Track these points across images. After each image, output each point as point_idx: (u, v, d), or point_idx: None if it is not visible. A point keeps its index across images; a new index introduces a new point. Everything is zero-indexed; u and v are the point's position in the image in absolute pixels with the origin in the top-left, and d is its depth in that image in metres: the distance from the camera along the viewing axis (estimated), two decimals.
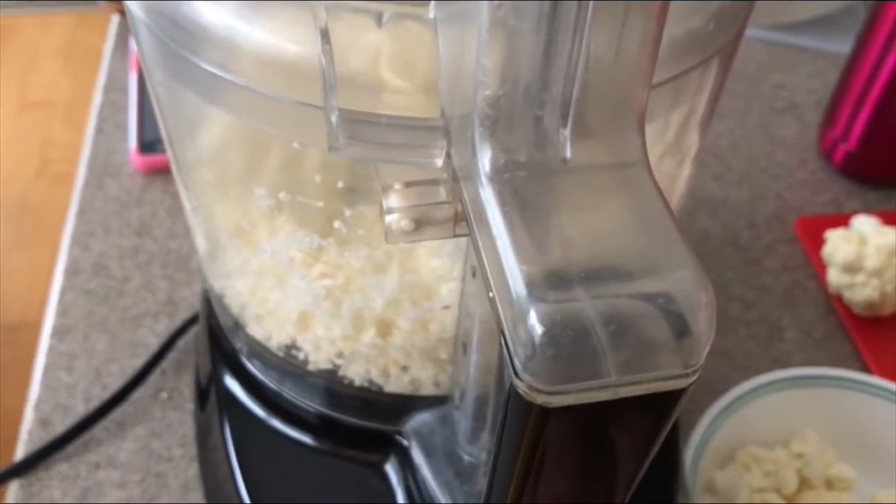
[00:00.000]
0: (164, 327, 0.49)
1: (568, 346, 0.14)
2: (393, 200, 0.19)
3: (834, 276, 0.52)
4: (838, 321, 0.53)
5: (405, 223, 0.19)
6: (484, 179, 0.16)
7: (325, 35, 0.19)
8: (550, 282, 0.14)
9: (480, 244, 0.16)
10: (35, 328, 1.51)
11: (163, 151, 0.56)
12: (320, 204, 0.23)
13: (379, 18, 0.19)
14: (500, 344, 0.15)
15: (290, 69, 0.20)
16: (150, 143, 0.56)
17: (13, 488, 0.43)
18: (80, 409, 0.45)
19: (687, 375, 0.15)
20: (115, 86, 0.63)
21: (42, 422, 0.45)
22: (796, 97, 0.67)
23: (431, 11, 0.19)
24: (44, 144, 1.67)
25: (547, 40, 0.15)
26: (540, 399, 0.14)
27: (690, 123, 0.25)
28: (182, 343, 0.48)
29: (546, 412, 0.14)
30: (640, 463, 0.17)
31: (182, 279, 0.51)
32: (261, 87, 0.21)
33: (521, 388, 0.14)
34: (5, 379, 1.35)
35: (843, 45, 0.71)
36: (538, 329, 0.14)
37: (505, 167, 0.16)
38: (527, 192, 0.16)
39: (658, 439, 0.16)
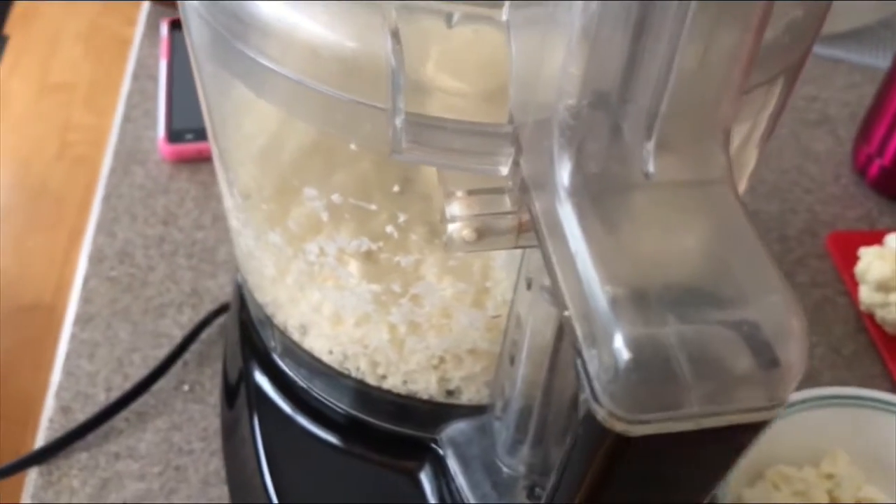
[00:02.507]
0: (188, 318, 0.48)
1: (653, 373, 0.13)
2: (455, 209, 0.18)
3: (866, 294, 0.51)
4: (869, 340, 0.52)
5: (467, 233, 0.18)
6: (562, 193, 0.15)
7: (395, 35, 0.18)
8: (635, 304, 0.14)
9: (554, 259, 0.16)
10: (51, 310, 1.52)
11: (190, 141, 0.56)
12: (373, 207, 0.22)
13: (449, 19, 0.19)
14: (576, 366, 0.14)
15: (350, 66, 0.19)
16: (178, 131, 0.56)
17: (32, 476, 0.42)
18: (101, 398, 0.45)
19: (772, 408, 0.14)
20: (143, 73, 0.62)
21: (63, 409, 0.44)
22: (830, 110, 0.66)
23: (505, 14, 0.18)
24: (64, 127, 1.67)
25: (636, 50, 0.14)
26: (619, 427, 0.14)
27: (751, 141, 0.24)
28: (205, 335, 0.48)
29: (623, 440, 0.14)
30: (705, 491, 0.17)
31: (207, 270, 0.51)
32: (317, 84, 0.20)
33: (600, 413, 0.14)
34: (23, 359, 1.35)
35: (879, 58, 0.70)
36: (624, 354, 0.13)
37: (585, 180, 0.15)
38: (607, 207, 0.15)
39: (730, 469, 0.16)
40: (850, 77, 0.69)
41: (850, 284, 0.54)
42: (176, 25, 0.63)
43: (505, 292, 0.24)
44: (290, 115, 0.22)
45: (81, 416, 0.44)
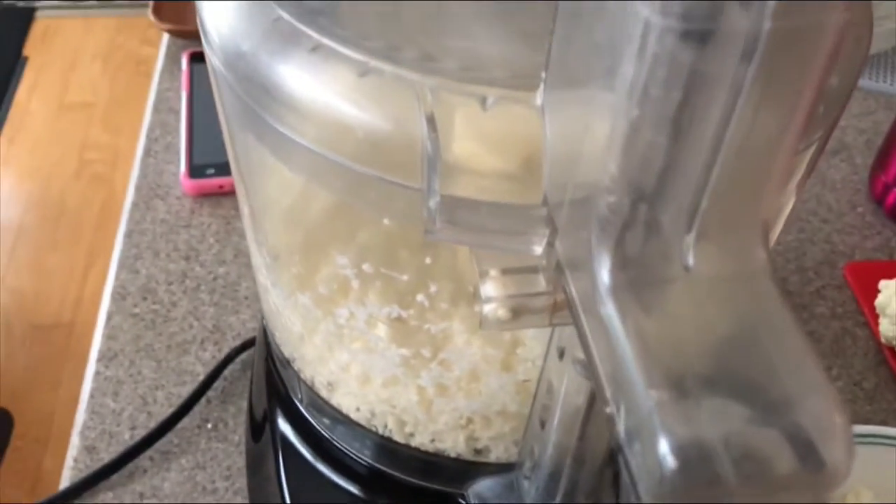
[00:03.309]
0: (211, 355, 0.49)
1: (698, 477, 0.13)
2: (490, 289, 0.19)
3: (887, 327, 0.51)
4: (890, 373, 0.51)
5: (502, 312, 0.19)
6: (602, 289, 0.15)
7: (431, 121, 0.18)
8: (678, 404, 0.14)
9: (593, 348, 0.16)
10: (69, 328, 1.53)
11: (212, 175, 0.56)
12: (405, 277, 0.22)
13: (483, 102, 0.19)
14: (619, 462, 0.15)
15: (381, 146, 0.20)
16: (199, 166, 0.56)
17: None
18: (126, 437, 0.45)
19: None
20: (164, 105, 0.63)
21: (88, 449, 0.45)
22: (846, 137, 0.66)
23: (539, 97, 0.18)
24: (82, 146, 1.69)
25: (679, 149, 0.14)
26: None
27: (787, 189, 0.24)
28: (228, 372, 0.48)
29: None
30: None
31: (229, 306, 0.51)
32: (348, 161, 0.20)
33: None
34: (40, 377, 1.36)
35: (894, 85, 0.69)
36: (670, 462, 0.13)
37: (625, 275, 0.15)
38: (648, 301, 0.15)
39: None
40: (865, 104, 0.69)
41: (869, 316, 0.53)
42: (196, 58, 0.64)
43: (535, 358, 0.24)
44: (318, 187, 0.22)
45: (106, 455, 0.44)
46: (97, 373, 0.48)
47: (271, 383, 0.35)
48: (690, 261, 0.16)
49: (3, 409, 1.34)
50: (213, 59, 0.23)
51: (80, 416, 0.46)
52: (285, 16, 0.20)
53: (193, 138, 0.58)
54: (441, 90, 0.19)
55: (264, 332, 0.36)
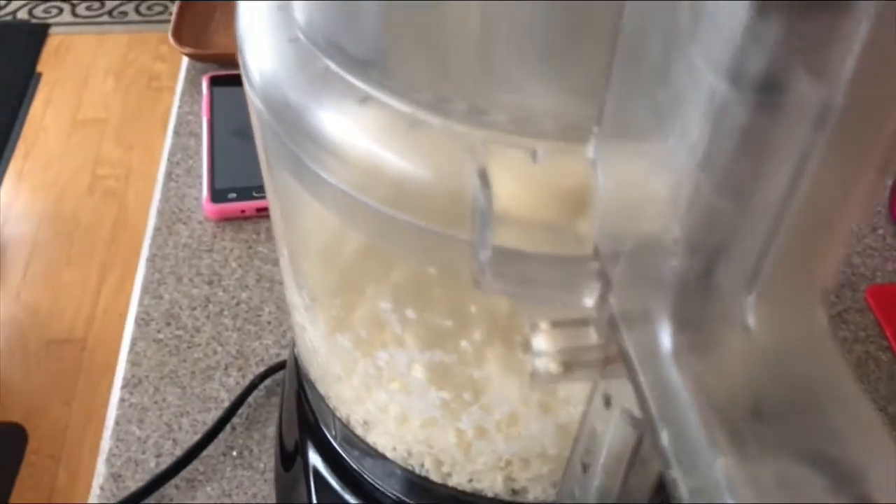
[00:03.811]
0: (234, 381, 0.49)
1: None
2: (541, 342, 0.18)
3: None
4: None
5: (553, 366, 0.18)
6: (664, 354, 0.15)
7: (483, 175, 0.18)
8: (746, 473, 0.14)
9: (655, 415, 0.16)
10: (82, 343, 1.53)
11: (233, 200, 0.56)
12: (449, 323, 0.22)
13: (534, 155, 0.19)
14: None
15: (431, 197, 0.20)
16: (221, 191, 0.56)
17: None
18: (152, 465, 0.45)
19: None
20: (184, 129, 0.63)
21: (114, 476, 0.45)
22: None
23: (591, 150, 0.18)
24: (95, 162, 1.70)
25: (746, 212, 0.14)
26: None
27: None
28: (252, 398, 0.48)
29: None
30: None
31: (252, 331, 0.51)
32: (395, 212, 0.20)
33: None
34: (54, 392, 1.37)
35: None
36: None
37: (686, 337, 0.15)
38: (708, 363, 0.15)
39: None
40: None
41: (892, 339, 0.53)
42: (216, 81, 0.64)
43: (578, 403, 0.24)
44: (359, 233, 0.22)
45: (132, 483, 0.44)
46: (122, 399, 0.48)
47: (302, 415, 0.35)
48: (751, 322, 0.16)
49: (17, 425, 1.34)
50: (254, 99, 0.23)
51: (106, 443, 0.46)
52: (332, 66, 0.20)
53: (215, 162, 0.58)
54: (491, 142, 0.19)
55: (295, 364, 0.36)
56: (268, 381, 0.48)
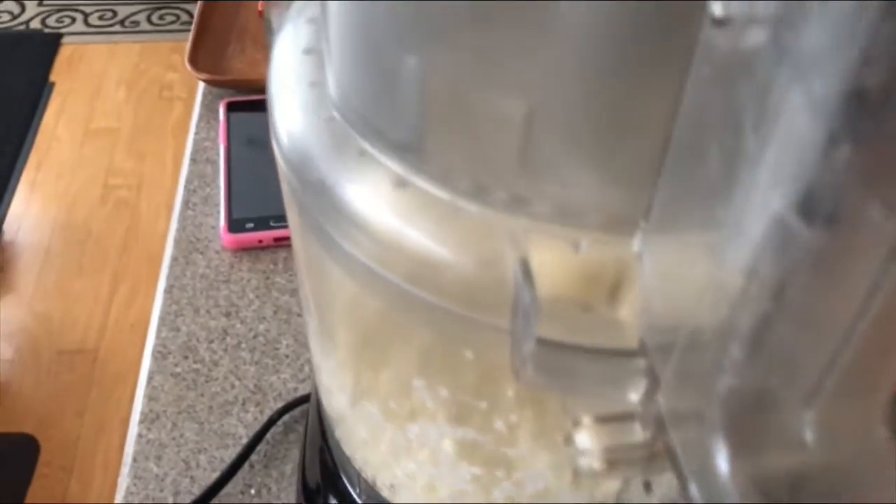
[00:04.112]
0: (253, 416, 0.48)
1: None
2: (585, 440, 0.18)
3: None
4: None
5: (597, 464, 0.18)
6: (721, 476, 0.15)
7: (525, 266, 0.18)
8: None
9: None
10: (92, 354, 1.54)
11: (251, 230, 0.56)
12: (483, 405, 0.22)
13: (577, 246, 0.18)
14: None
15: (469, 284, 0.19)
16: (238, 220, 0.56)
17: None
18: (170, 502, 0.45)
19: None
20: (201, 156, 0.63)
21: None
22: None
23: (637, 244, 0.18)
24: (106, 172, 1.70)
25: (810, 337, 0.14)
26: None
27: None
28: (270, 435, 0.48)
29: None
30: None
31: (270, 365, 0.51)
32: (434, 298, 0.20)
33: None
34: (65, 404, 1.37)
35: None
36: None
37: (745, 459, 0.15)
38: (768, 480, 0.15)
39: None
40: None
41: None
42: (233, 107, 0.64)
43: (612, 484, 0.23)
44: (396, 317, 0.22)
45: None
46: (139, 435, 0.48)
47: (325, 467, 0.34)
48: (809, 438, 0.15)
49: (29, 436, 1.34)
50: (286, 172, 0.23)
51: (124, 480, 0.46)
52: (368, 147, 0.20)
53: (232, 191, 0.58)
54: (532, 232, 0.18)
55: (318, 415, 0.35)
56: (286, 417, 0.48)
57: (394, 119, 0.19)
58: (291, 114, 0.22)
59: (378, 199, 0.20)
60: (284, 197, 0.25)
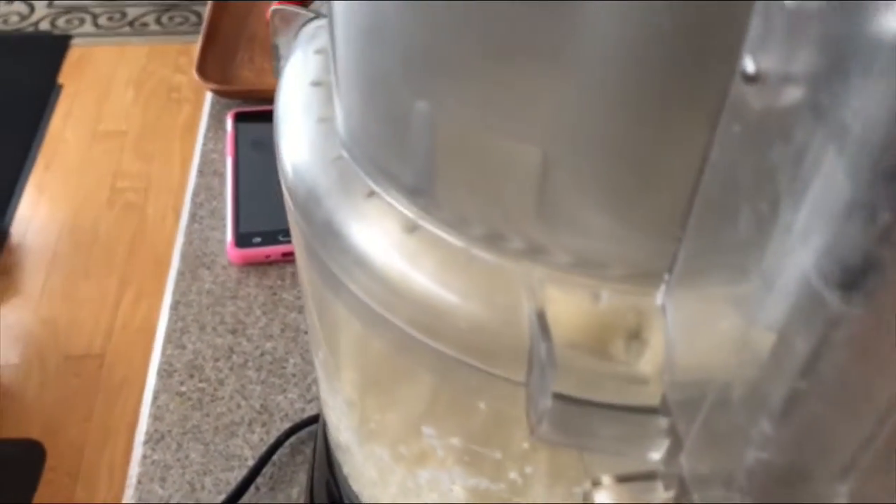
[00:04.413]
0: (259, 438, 0.48)
1: None
2: (605, 499, 0.17)
3: None
4: None
5: None
6: None
7: (542, 320, 0.17)
8: None
9: None
10: (99, 359, 1.53)
11: (258, 245, 0.55)
12: (498, 456, 0.21)
13: (597, 297, 0.17)
14: None
15: (481, 335, 0.18)
16: (245, 235, 0.55)
17: None
18: None
19: None
20: (208, 168, 0.62)
21: None
22: None
23: (660, 297, 0.17)
24: (114, 174, 1.70)
25: (845, 419, 0.13)
26: None
27: None
28: (276, 457, 0.47)
29: None
30: None
31: (276, 384, 0.50)
32: (444, 348, 0.19)
33: None
34: (72, 408, 1.37)
35: None
36: None
37: None
38: None
39: None
40: None
41: None
42: (241, 118, 0.64)
43: None
44: (404, 363, 0.21)
45: None
46: (144, 456, 0.47)
47: (332, 500, 0.34)
48: None
49: (35, 442, 1.34)
50: (292, 209, 0.22)
51: (128, 501, 0.45)
52: (380, 191, 0.19)
53: (239, 206, 0.57)
54: (549, 281, 0.18)
55: (325, 446, 0.35)
56: (292, 439, 0.47)
57: (404, 162, 0.18)
58: (298, 149, 0.21)
59: (386, 242, 0.19)
60: (291, 227, 0.25)
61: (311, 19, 0.25)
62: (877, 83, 0.11)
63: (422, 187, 0.18)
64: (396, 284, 0.19)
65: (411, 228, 0.19)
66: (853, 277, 0.12)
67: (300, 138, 0.21)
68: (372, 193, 0.19)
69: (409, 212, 0.19)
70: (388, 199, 0.19)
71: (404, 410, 0.23)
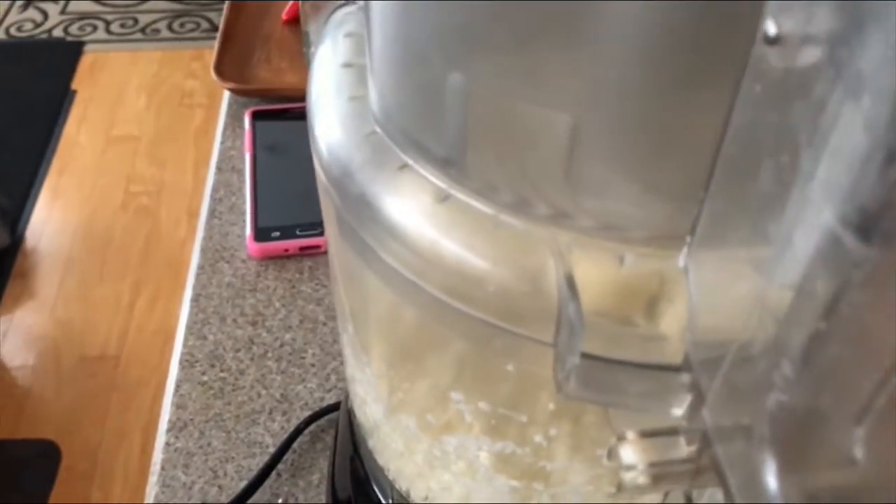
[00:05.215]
0: (279, 426, 0.49)
1: None
2: (629, 455, 0.18)
3: None
4: None
5: (642, 479, 0.18)
6: (769, 493, 0.15)
7: (570, 282, 0.18)
8: None
9: None
10: (114, 360, 1.54)
11: (277, 239, 0.56)
12: (524, 419, 0.22)
13: (621, 260, 0.18)
14: None
15: (512, 298, 0.19)
16: (264, 229, 0.56)
17: None
18: None
19: None
20: (227, 165, 0.63)
21: None
22: None
23: (682, 259, 0.18)
24: (128, 179, 1.71)
25: (864, 358, 0.14)
26: None
27: None
28: (296, 444, 0.48)
29: None
30: None
31: (296, 373, 0.51)
32: (475, 311, 0.20)
33: None
34: (87, 410, 1.38)
35: None
36: None
37: (794, 475, 0.15)
38: (816, 499, 0.15)
39: None
40: None
41: None
42: (258, 116, 0.65)
43: (655, 497, 0.23)
44: (436, 328, 0.22)
45: None
46: (167, 444, 0.48)
47: (356, 477, 0.34)
48: (858, 454, 0.15)
49: (51, 443, 1.36)
50: (326, 185, 0.23)
51: (152, 488, 0.46)
52: (412, 164, 0.20)
53: (258, 200, 0.58)
54: (576, 246, 0.18)
55: (349, 426, 0.35)
56: (312, 427, 0.48)
57: (437, 133, 0.19)
58: (331, 128, 0.22)
59: (419, 213, 0.20)
60: (323, 208, 0.26)
61: (341, 6, 0.26)
62: (892, 35, 0.12)
63: (453, 158, 0.19)
64: (428, 252, 0.20)
65: (442, 198, 0.20)
66: (871, 221, 0.12)
67: (333, 117, 0.22)
68: (404, 166, 0.20)
69: (440, 182, 0.20)
70: (420, 170, 0.20)
71: (433, 378, 0.24)
